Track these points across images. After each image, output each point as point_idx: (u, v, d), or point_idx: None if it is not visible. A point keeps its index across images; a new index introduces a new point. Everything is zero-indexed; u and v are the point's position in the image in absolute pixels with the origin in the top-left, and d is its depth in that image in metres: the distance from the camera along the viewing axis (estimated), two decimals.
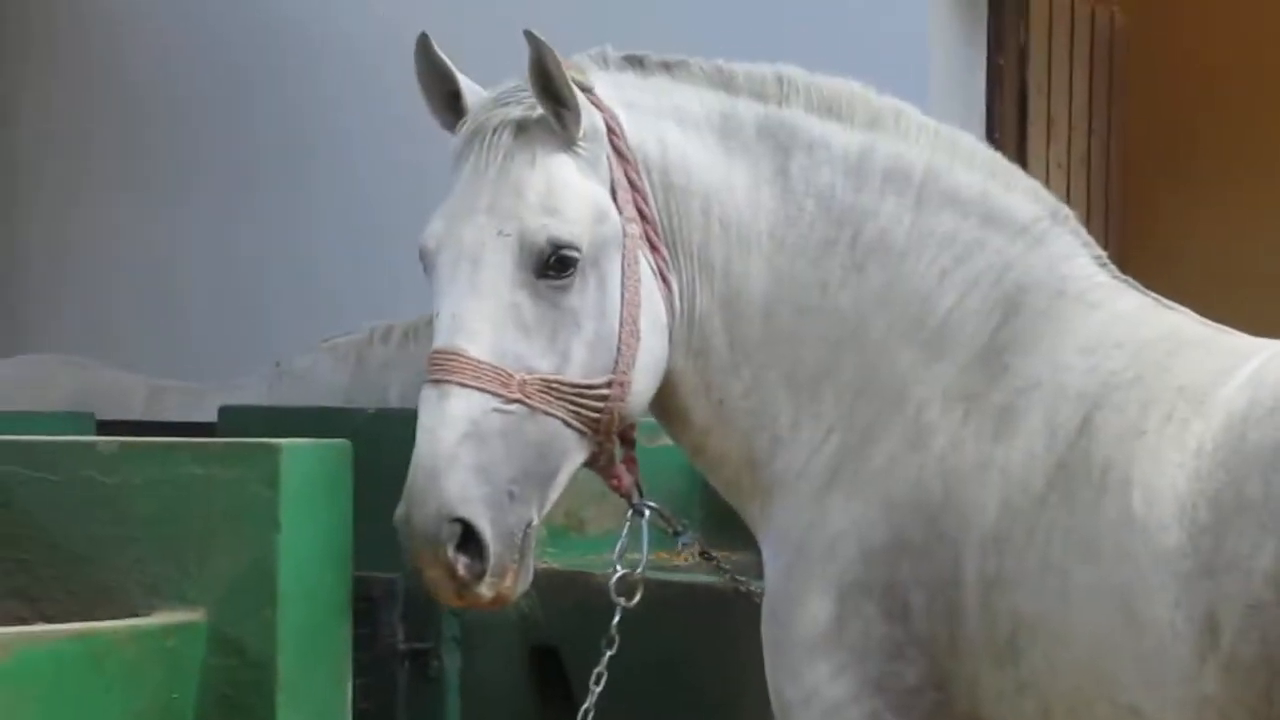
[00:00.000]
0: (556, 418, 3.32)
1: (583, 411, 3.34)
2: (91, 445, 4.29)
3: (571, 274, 3.35)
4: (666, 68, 3.66)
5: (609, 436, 3.46)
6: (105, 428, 5.68)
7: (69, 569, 4.12)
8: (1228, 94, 9.52)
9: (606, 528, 4.74)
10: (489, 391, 3.28)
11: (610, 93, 3.52)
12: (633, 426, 3.55)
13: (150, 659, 3.93)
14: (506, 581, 3.26)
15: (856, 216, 3.68)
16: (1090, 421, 3.48)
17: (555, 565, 4.57)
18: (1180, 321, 3.59)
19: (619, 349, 3.42)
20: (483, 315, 3.34)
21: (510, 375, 3.30)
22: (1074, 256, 3.72)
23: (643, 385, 3.48)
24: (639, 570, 3.67)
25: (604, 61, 3.60)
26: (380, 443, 4.30)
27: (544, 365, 3.31)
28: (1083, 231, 3.76)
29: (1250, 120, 9.44)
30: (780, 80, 3.71)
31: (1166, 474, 3.36)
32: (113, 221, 8.88)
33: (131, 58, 9.10)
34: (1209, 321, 3.61)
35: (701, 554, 3.91)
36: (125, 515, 4.04)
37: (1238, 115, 9.55)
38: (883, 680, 3.53)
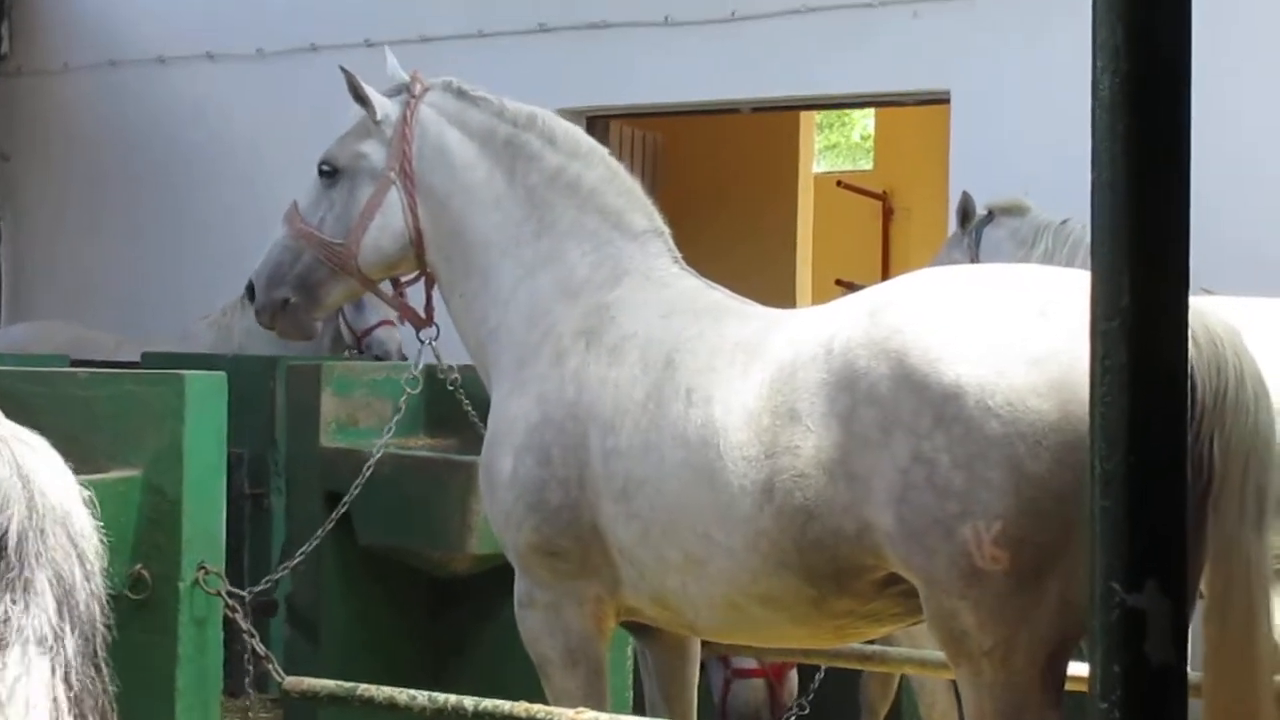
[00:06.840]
0: None
1: None
2: (74, 373, 4.75)
3: None
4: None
5: None
6: (79, 365, 6.71)
7: (60, 447, 3.75)
8: (716, 193, 10.63)
9: None
10: None
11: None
12: None
13: (109, 498, 4.07)
14: None
15: (544, 207, 4.28)
16: (671, 361, 3.85)
17: None
18: (721, 298, 4.08)
19: None
20: None
21: None
22: (661, 255, 4.25)
23: None
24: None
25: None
26: (235, 374, 4.89)
27: None
28: (670, 242, 4.30)
29: (728, 209, 10.61)
30: (533, 116, 4.37)
31: (738, 395, 3.67)
32: (91, 245, 11.00)
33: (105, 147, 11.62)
34: (738, 297, 4.08)
35: None
36: (93, 414, 4.47)
37: (716, 207, 10.75)
38: (537, 503, 4.04)
